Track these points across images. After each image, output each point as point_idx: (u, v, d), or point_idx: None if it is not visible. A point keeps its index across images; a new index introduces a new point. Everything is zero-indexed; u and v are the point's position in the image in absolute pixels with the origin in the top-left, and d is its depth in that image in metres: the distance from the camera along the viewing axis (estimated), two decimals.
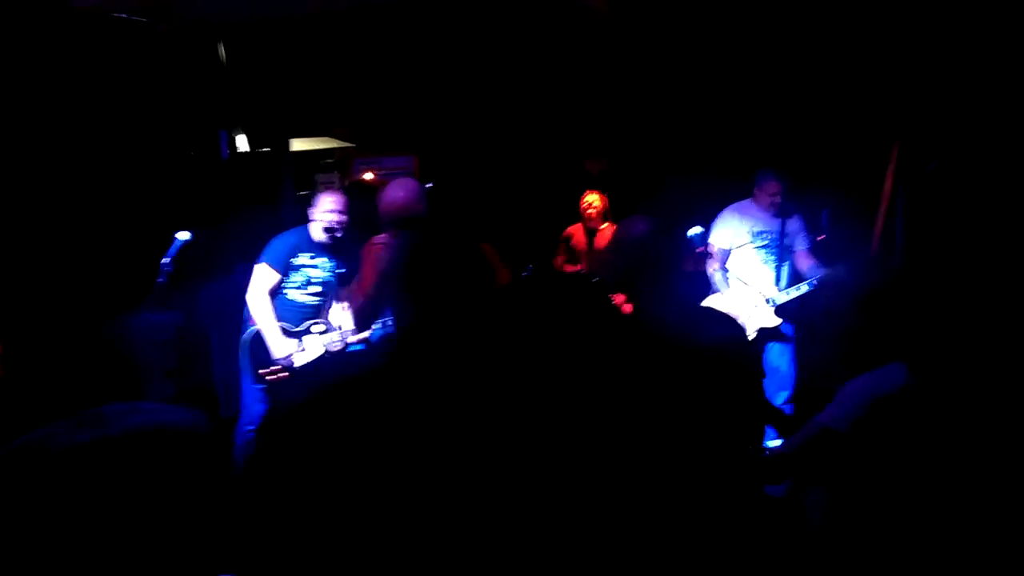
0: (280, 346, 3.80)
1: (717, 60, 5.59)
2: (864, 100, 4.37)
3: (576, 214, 5.79)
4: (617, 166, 6.83)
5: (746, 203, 4.43)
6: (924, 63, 3.03)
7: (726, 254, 4.44)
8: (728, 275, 4.45)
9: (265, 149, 5.92)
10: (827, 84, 5.19)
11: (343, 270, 3.96)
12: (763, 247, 4.38)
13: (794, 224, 4.39)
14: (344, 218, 3.84)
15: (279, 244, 3.84)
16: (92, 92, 4.36)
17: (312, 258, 3.89)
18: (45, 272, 3.93)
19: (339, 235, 3.84)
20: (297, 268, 3.87)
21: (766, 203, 4.30)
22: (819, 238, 5.88)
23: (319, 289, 3.92)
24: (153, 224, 4.10)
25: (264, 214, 5.23)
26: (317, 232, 3.84)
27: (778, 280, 4.34)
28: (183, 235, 3.77)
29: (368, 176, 7.11)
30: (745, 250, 4.41)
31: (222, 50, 5.40)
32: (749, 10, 5.02)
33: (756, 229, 4.37)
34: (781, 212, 4.31)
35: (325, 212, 3.83)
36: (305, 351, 3.85)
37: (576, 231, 5.82)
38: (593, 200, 5.64)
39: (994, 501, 1.58)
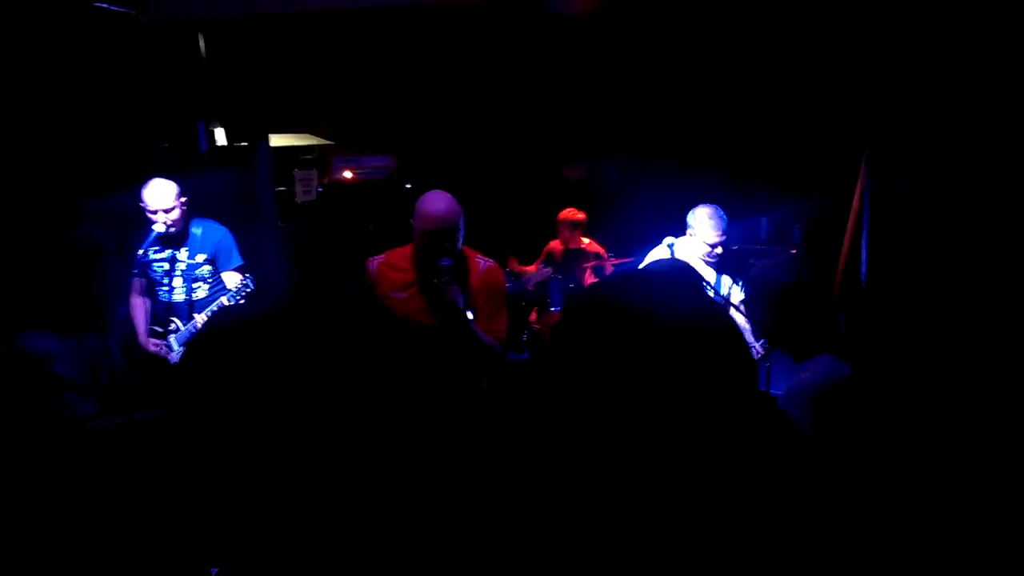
0: (147, 344, 3.79)
1: (694, 69, 5.67)
2: (837, 113, 4.42)
3: (554, 225, 5.84)
4: (595, 173, 6.90)
5: (680, 243, 3.70)
6: (895, 78, 3.11)
7: None
8: None
9: (243, 143, 5.89)
10: (801, 96, 5.29)
11: (206, 254, 3.81)
12: None
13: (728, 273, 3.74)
14: (171, 213, 3.63)
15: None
16: (72, 81, 4.33)
17: (157, 251, 3.75)
18: (17, 263, 3.88)
19: (173, 229, 3.66)
20: (149, 264, 3.76)
21: (702, 251, 3.58)
22: (791, 252, 6.00)
23: (181, 282, 3.78)
24: (127, 215, 4.07)
25: (241, 208, 5.22)
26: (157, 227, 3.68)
27: None
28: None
29: (347, 175, 7.11)
30: None
31: (203, 43, 5.38)
32: (727, 21, 5.11)
33: None
34: (720, 262, 3.64)
35: (148, 213, 3.64)
36: (174, 351, 3.80)
37: (556, 247, 5.88)
38: (577, 216, 5.70)
39: (956, 485, 1.63)
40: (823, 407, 1.78)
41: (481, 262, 3.02)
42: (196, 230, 3.80)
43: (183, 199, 3.70)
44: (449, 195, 2.89)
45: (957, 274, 2.93)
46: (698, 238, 3.58)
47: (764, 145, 5.73)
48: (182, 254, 3.78)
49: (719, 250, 3.58)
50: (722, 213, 3.57)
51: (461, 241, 2.89)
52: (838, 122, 4.29)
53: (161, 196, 3.62)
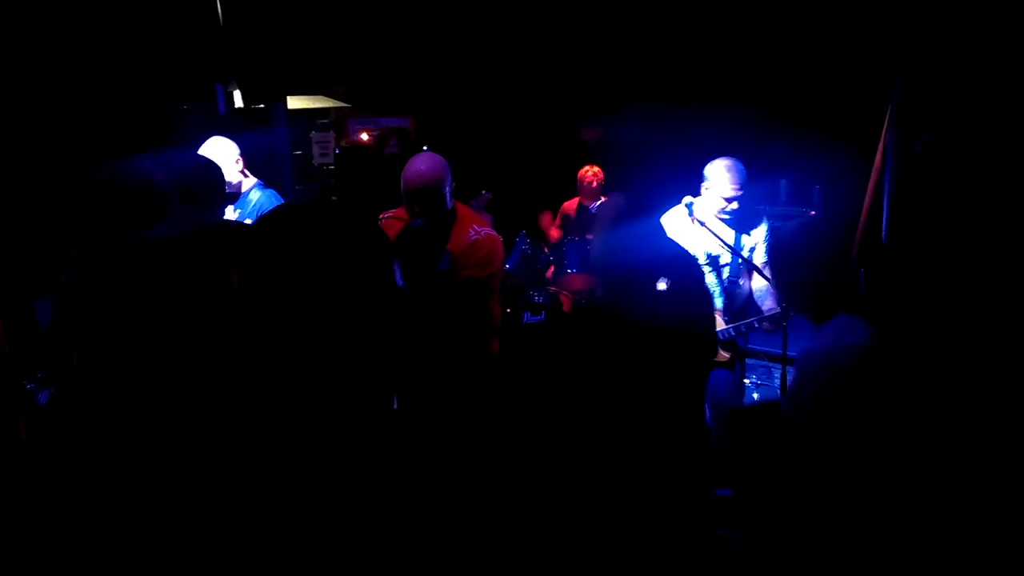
0: None
1: (714, 19, 5.58)
2: (862, 68, 4.34)
3: (572, 187, 5.81)
4: (612, 134, 6.84)
5: (698, 202, 3.59)
6: (921, 32, 3.04)
7: None
8: None
9: (260, 105, 5.89)
10: (826, 51, 5.20)
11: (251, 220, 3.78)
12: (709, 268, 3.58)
13: (756, 235, 3.63)
14: (236, 167, 3.70)
15: None
16: (89, 43, 4.34)
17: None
18: (38, 225, 3.94)
19: (237, 186, 3.73)
20: None
21: (718, 206, 3.50)
22: (811, 213, 5.94)
23: None
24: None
25: (258, 171, 5.23)
26: None
27: (724, 311, 3.62)
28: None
29: (363, 137, 7.10)
30: None
31: (219, 4, 5.35)
32: None
33: (705, 249, 3.58)
34: (738, 221, 3.54)
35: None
36: None
37: (571, 206, 5.85)
38: (596, 172, 5.66)
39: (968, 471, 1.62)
40: (835, 374, 1.78)
41: (472, 232, 2.90)
42: (252, 195, 3.81)
43: (239, 157, 3.75)
44: (432, 158, 2.86)
45: (979, 233, 2.90)
46: (713, 192, 3.49)
47: (787, 101, 5.64)
48: (233, 214, 3.77)
49: (735, 205, 3.47)
50: (741, 166, 3.46)
51: (445, 204, 2.85)
52: (863, 77, 4.22)
53: (226, 153, 3.66)
